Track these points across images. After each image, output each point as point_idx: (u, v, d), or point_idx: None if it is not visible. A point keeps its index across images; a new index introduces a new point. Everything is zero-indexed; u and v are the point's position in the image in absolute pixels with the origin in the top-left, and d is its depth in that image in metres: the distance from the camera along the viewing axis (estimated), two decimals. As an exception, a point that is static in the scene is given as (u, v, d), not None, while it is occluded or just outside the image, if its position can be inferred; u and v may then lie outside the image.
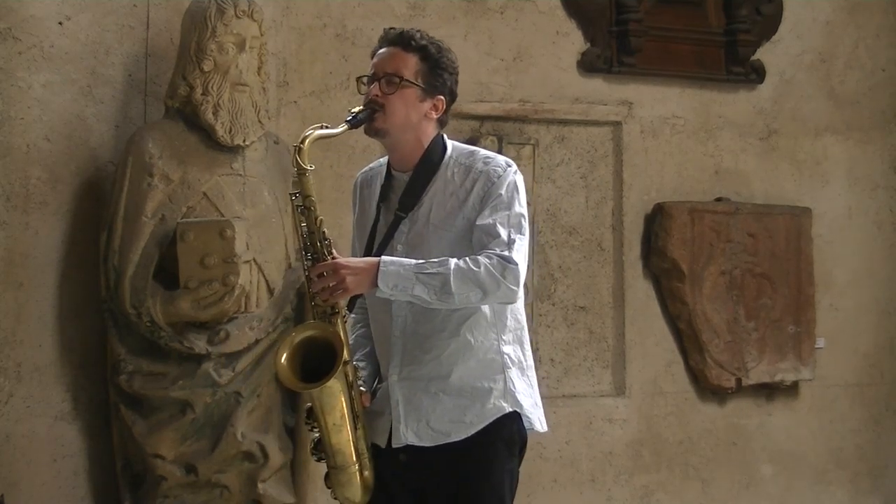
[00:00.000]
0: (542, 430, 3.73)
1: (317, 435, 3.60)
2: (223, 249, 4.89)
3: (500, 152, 5.88)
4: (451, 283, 3.40)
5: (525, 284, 5.84)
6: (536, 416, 3.70)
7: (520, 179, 3.63)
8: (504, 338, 3.63)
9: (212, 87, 5.07)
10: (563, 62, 6.32)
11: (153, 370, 5.01)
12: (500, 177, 3.58)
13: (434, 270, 3.42)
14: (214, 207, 5.08)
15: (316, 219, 3.51)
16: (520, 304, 3.67)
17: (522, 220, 3.55)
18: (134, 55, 5.35)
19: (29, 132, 5.15)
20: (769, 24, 6.76)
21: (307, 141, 3.51)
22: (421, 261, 3.47)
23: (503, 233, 3.49)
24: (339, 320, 3.53)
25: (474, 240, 3.52)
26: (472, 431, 3.57)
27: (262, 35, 5.19)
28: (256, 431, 5.03)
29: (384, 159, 3.77)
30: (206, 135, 5.11)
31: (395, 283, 3.41)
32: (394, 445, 3.61)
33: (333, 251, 3.52)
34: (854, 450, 6.92)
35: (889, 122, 7.04)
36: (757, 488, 6.66)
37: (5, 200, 5.11)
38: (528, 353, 3.72)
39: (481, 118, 6.14)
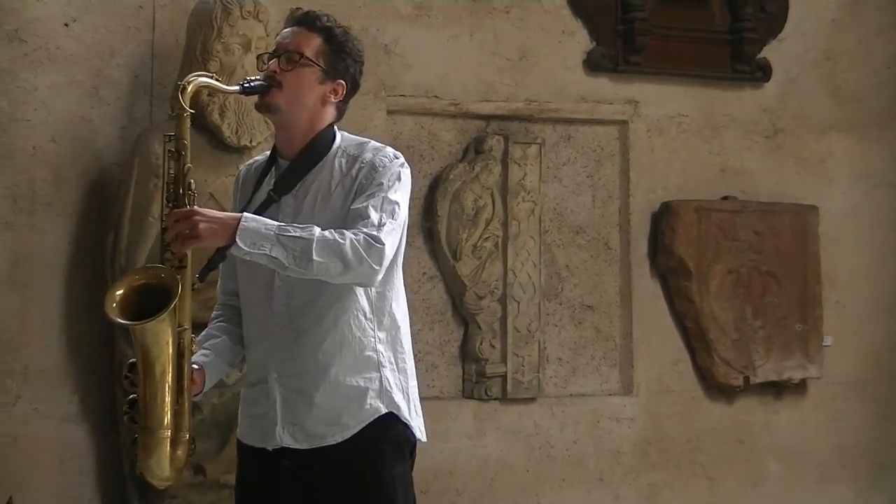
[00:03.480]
0: (421, 440, 3.59)
1: (133, 395, 3.37)
2: (231, 250, 4.85)
3: (506, 152, 6.06)
4: (313, 249, 3.26)
5: (532, 283, 6.04)
6: (416, 424, 3.57)
7: (406, 172, 3.51)
8: (380, 335, 3.51)
9: (218, 89, 5.04)
10: (569, 61, 6.27)
11: (161, 371, 4.98)
12: (384, 166, 3.47)
13: (297, 234, 3.28)
14: (221, 208, 4.77)
15: (184, 165, 3.36)
16: (400, 306, 3.58)
17: (396, 208, 3.42)
18: (139, 56, 5.35)
19: (34, 134, 5.16)
20: (774, 22, 6.68)
21: (192, 84, 3.37)
22: (284, 223, 3.34)
23: (374, 216, 3.37)
24: (183, 276, 3.33)
25: (347, 224, 3.39)
26: (349, 434, 3.46)
27: (267, 36, 5.15)
28: (264, 432, 4.99)
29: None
30: (213, 136, 5.11)
31: (254, 240, 3.25)
32: (269, 447, 3.49)
33: (195, 206, 3.37)
34: (860, 447, 6.80)
35: (893, 119, 6.95)
36: (763, 486, 6.58)
37: (11, 202, 5.13)
38: (406, 357, 3.58)
39: (487, 118, 6.10)
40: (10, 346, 5.10)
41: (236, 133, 5.09)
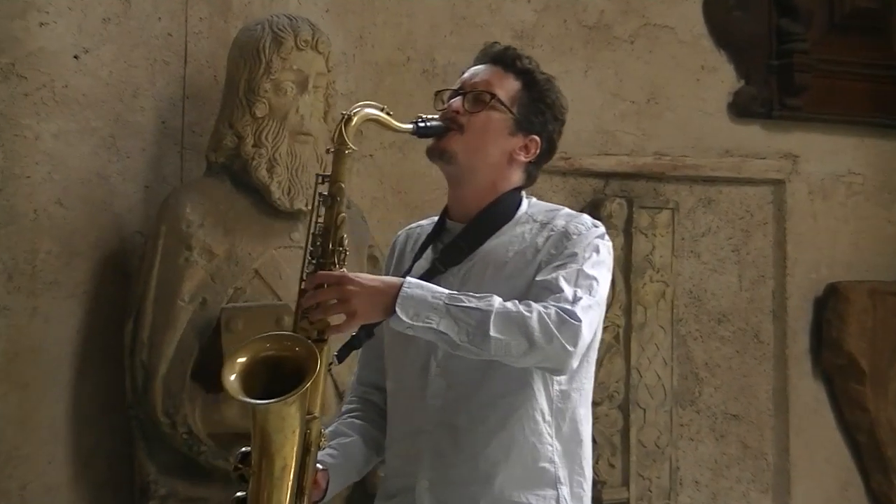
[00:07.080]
0: None
1: (242, 493, 3.28)
2: (280, 341, 4.79)
3: (629, 219, 6.09)
4: (491, 322, 3.16)
5: (662, 385, 5.89)
6: None
7: (606, 245, 3.43)
8: (557, 445, 3.41)
9: (266, 138, 5.02)
10: (710, 105, 6.30)
11: (191, 495, 4.99)
12: (579, 234, 3.40)
13: (472, 304, 3.19)
14: (269, 288, 5.03)
15: (338, 215, 3.30)
16: (586, 414, 3.48)
17: (595, 284, 3.33)
18: (168, 97, 5.32)
19: (37, 194, 5.09)
20: (972, 54, 6.53)
21: (358, 116, 3.32)
22: (454, 292, 3.24)
23: (567, 289, 3.27)
24: (322, 351, 3.25)
25: (531, 298, 3.29)
26: None
27: (329, 71, 5.14)
28: (316, 568, 4.93)
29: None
30: (260, 197, 5.05)
31: (418, 311, 3.18)
32: None
33: (345, 266, 3.31)
34: None
35: None
36: None
37: (6, 280, 5.05)
38: (585, 483, 3.47)
39: (606, 175, 6.09)
40: (7, 460, 5.01)
41: (288, 194, 5.01)
